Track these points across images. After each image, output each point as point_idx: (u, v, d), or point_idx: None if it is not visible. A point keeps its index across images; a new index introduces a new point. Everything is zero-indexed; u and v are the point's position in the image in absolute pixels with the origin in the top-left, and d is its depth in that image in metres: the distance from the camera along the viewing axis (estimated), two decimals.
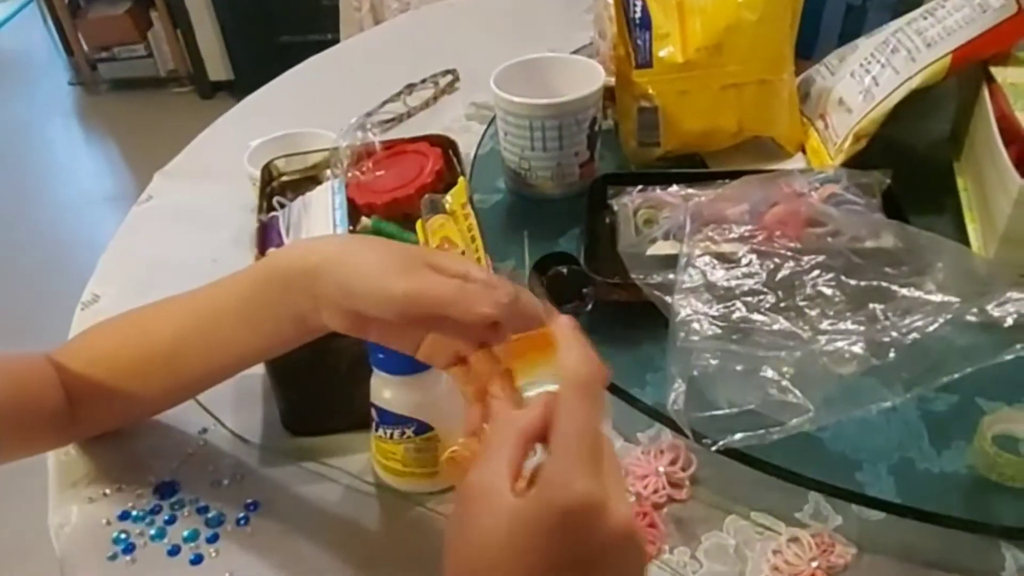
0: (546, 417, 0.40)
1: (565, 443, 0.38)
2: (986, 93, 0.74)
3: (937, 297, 0.55)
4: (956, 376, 0.53)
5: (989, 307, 0.54)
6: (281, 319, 0.53)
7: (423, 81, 1.13)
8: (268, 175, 0.80)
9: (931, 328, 0.54)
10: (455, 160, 0.80)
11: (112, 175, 2.79)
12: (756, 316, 0.57)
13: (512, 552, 0.37)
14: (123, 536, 0.59)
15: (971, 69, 0.77)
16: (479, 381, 0.47)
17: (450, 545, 0.40)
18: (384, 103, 1.09)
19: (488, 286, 0.45)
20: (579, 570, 0.37)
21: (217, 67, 3.12)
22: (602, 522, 0.36)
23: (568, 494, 0.36)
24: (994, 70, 0.75)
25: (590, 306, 0.68)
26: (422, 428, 0.58)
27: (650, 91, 0.82)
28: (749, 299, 0.58)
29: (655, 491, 0.59)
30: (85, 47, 3.23)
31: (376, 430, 0.59)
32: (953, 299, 0.55)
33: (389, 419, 0.58)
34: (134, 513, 0.61)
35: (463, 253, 0.67)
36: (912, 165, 0.80)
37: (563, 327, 0.42)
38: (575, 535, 0.36)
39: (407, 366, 0.56)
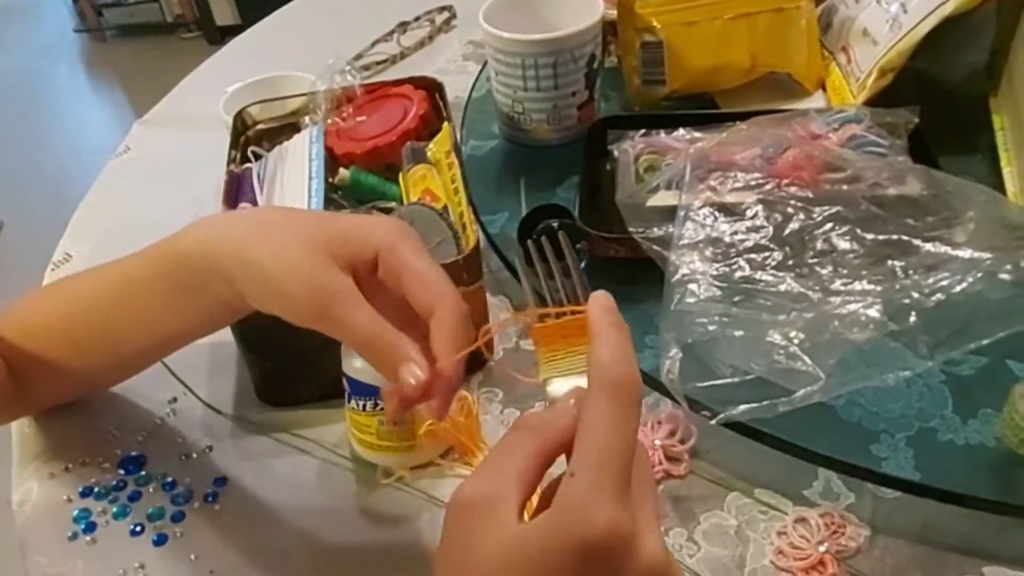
0: (575, 426, 0.34)
1: (589, 460, 0.31)
2: None
3: (965, 252, 0.49)
4: (985, 342, 0.47)
5: None
6: (208, 305, 0.49)
7: (417, 19, 1.06)
8: (241, 123, 0.75)
9: (958, 288, 0.48)
10: (441, 104, 0.74)
11: (118, 123, 2.75)
12: (760, 275, 0.51)
13: None
14: (84, 514, 0.56)
15: None
16: None
17: (443, 562, 0.34)
18: (375, 43, 1.02)
19: (399, 350, 0.41)
20: None
21: (224, 11, 3.05)
22: (628, 560, 0.31)
23: (589, 525, 0.30)
24: None
25: (584, 263, 0.63)
26: None
27: (654, 23, 0.75)
28: (753, 256, 0.52)
29: (651, 466, 0.54)
30: None
31: (349, 402, 0.55)
32: (984, 254, 0.49)
33: (361, 390, 0.54)
34: (97, 489, 0.57)
35: (444, 207, 0.62)
36: (943, 102, 0.73)
37: (599, 310, 0.35)
38: (592, 573, 0.30)
39: None
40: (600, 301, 0.36)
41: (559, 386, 0.38)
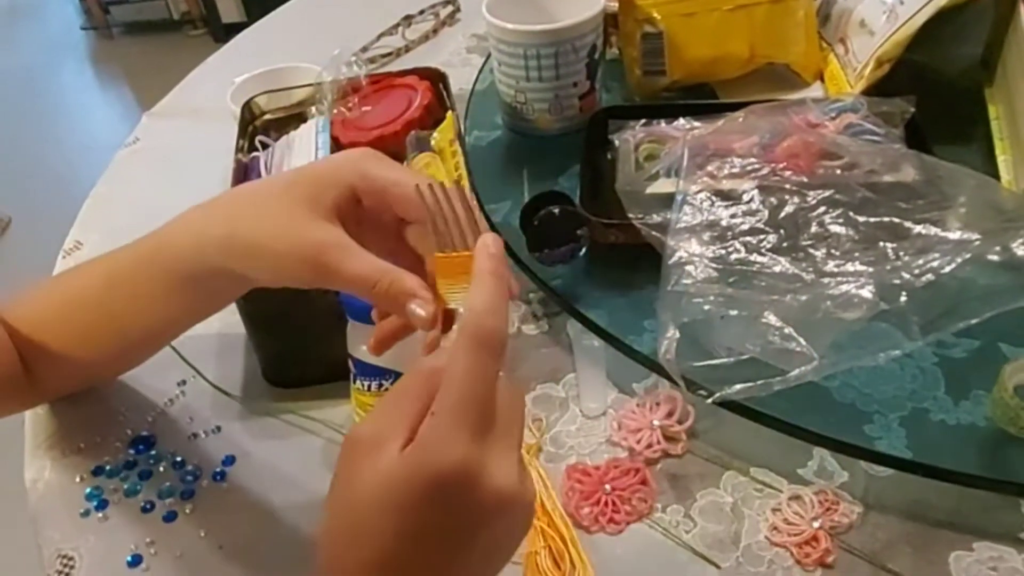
0: None
1: (448, 402, 0.34)
2: (1022, 11, 0.67)
3: (955, 234, 0.50)
4: (974, 322, 0.49)
5: (1014, 245, 0.49)
6: (211, 293, 0.51)
7: (422, 12, 1.07)
8: (249, 113, 0.76)
9: (948, 268, 0.49)
10: (445, 94, 0.75)
11: (125, 120, 2.77)
12: (756, 257, 0.52)
13: (381, 512, 0.34)
14: (96, 492, 0.57)
15: None
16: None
17: (331, 496, 0.37)
18: (380, 36, 1.04)
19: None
20: (449, 537, 0.34)
21: (230, 9, 3.08)
22: (477, 491, 0.34)
23: (440, 460, 0.33)
24: None
25: (584, 249, 0.64)
26: None
27: (654, 14, 0.76)
28: (749, 239, 0.53)
29: (649, 446, 0.55)
30: None
31: (354, 382, 0.56)
32: (974, 236, 0.50)
33: (366, 371, 0.55)
34: (108, 468, 0.59)
35: None
36: (939, 93, 0.74)
37: (484, 254, 0.37)
38: (445, 503, 0.33)
39: None
40: (487, 245, 0.38)
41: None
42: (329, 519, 0.37)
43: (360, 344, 0.55)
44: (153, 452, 0.60)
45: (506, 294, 0.37)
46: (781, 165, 0.57)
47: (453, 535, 0.34)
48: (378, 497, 0.34)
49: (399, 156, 0.72)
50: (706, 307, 0.50)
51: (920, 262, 0.50)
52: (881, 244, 0.51)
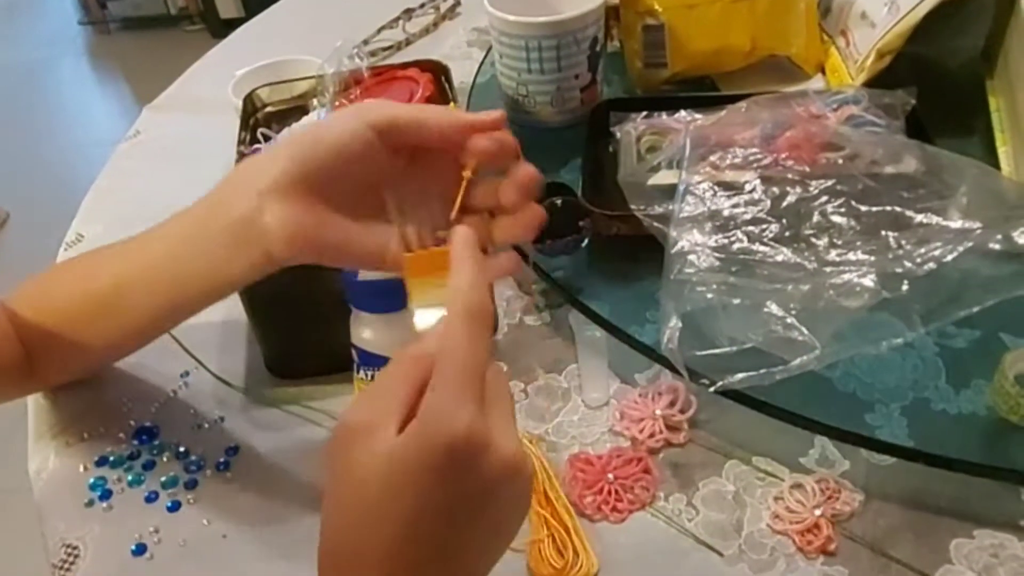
0: None
1: (448, 375, 0.35)
2: (1023, 4, 0.67)
3: (957, 224, 0.50)
4: (975, 310, 0.49)
5: (1015, 234, 0.49)
6: (227, 245, 0.48)
7: (423, 6, 1.07)
8: (251, 105, 0.76)
9: (949, 257, 0.49)
10: (447, 86, 0.76)
11: (123, 115, 2.77)
12: (758, 247, 0.52)
13: (391, 493, 0.34)
14: (100, 482, 0.57)
15: None
16: None
17: (330, 488, 0.36)
18: (381, 30, 1.04)
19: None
20: (461, 509, 0.34)
21: (227, 4, 3.07)
22: (485, 459, 0.34)
23: (449, 431, 0.33)
24: None
25: (587, 240, 0.64)
26: None
27: (655, 6, 0.76)
28: (751, 228, 0.53)
29: (651, 435, 0.55)
30: None
31: (357, 372, 0.57)
32: (975, 225, 0.50)
33: (369, 360, 0.55)
34: (112, 458, 0.59)
35: None
36: (941, 85, 0.74)
37: (460, 243, 0.39)
38: (457, 474, 0.34)
39: (386, 303, 0.53)
40: (461, 234, 0.40)
41: (425, 315, 0.41)
42: (331, 512, 0.36)
43: (363, 333, 0.55)
44: (156, 442, 0.60)
45: (486, 273, 0.39)
46: (783, 155, 0.57)
47: (463, 507, 0.34)
48: (384, 480, 0.34)
49: None
50: (709, 296, 0.50)
51: (922, 251, 0.50)
52: (883, 233, 0.52)
